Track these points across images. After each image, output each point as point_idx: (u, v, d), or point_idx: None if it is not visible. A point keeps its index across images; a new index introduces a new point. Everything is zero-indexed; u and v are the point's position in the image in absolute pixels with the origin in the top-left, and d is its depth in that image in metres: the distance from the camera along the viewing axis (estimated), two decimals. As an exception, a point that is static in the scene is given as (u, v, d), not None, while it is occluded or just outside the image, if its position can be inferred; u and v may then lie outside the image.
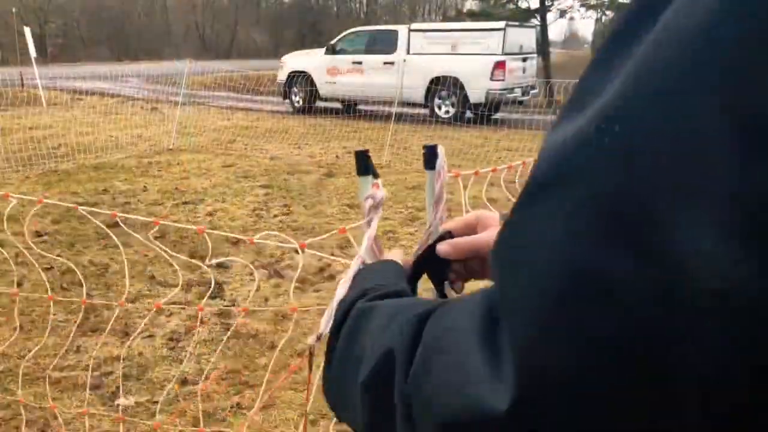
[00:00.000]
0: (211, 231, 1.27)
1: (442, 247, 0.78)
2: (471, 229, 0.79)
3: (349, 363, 0.56)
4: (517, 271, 0.39)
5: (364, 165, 0.77)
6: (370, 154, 0.80)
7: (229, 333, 3.26)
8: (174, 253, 1.83)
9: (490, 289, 0.44)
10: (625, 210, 0.33)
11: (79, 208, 1.31)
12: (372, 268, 0.72)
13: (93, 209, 1.29)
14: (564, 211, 0.36)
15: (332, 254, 4.61)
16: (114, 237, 1.70)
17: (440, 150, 0.80)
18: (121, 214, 1.34)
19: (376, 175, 0.77)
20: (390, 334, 0.51)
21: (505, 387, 0.37)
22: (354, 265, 0.71)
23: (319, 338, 0.67)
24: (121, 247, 1.94)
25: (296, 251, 4.66)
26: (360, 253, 0.72)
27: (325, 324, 0.66)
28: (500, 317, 0.40)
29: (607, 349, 0.33)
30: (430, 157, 0.79)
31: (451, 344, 0.43)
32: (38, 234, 5.04)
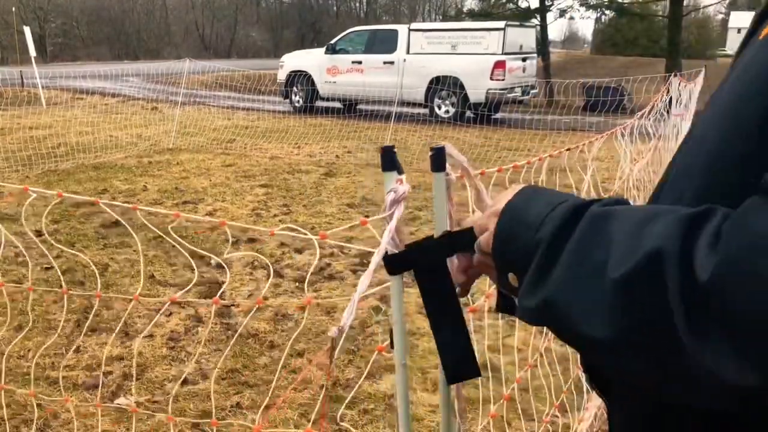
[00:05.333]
0: (230, 223, 1.26)
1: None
2: None
3: (586, 266, 0.54)
4: None
5: (390, 161, 0.77)
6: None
7: (221, 331, 3.26)
8: (185, 249, 1.82)
9: None
10: None
11: (101, 202, 1.30)
12: (550, 192, 0.67)
13: (112, 202, 1.29)
14: None
15: (332, 254, 4.61)
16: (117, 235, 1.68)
17: (450, 149, 0.79)
18: (143, 208, 1.33)
19: (400, 171, 0.78)
20: (653, 234, 0.51)
21: None
22: (376, 257, 0.71)
23: (340, 331, 0.67)
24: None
25: (296, 250, 4.66)
26: (382, 245, 0.72)
27: (347, 317, 0.66)
28: None
29: None
30: (437, 159, 0.78)
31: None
32: (38, 233, 5.04)
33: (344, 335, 0.66)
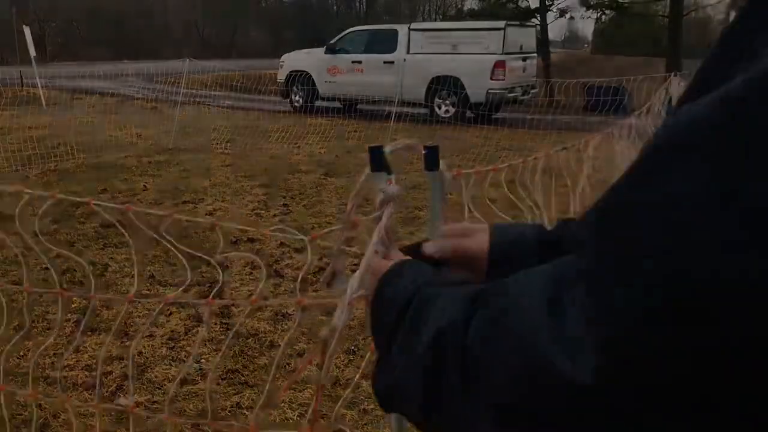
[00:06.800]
0: (223, 223, 1.25)
1: (429, 247, 0.78)
2: (463, 236, 0.80)
3: (412, 343, 0.57)
4: (626, 254, 0.38)
5: (378, 161, 0.76)
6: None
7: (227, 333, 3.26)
8: (178, 252, 1.81)
9: (556, 263, 0.46)
10: None
11: (94, 203, 1.30)
12: (416, 265, 0.72)
13: (103, 203, 1.28)
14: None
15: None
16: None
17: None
18: (136, 209, 1.33)
19: (389, 172, 0.77)
20: (450, 311, 0.53)
21: (583, 364, 0.38)
22: (367, 257, 0.71)
23: (332, 331, 0.67)
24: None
25: (296, 250, 4.65)
26: (372, 246, 0.72)
27: (339, 316, 0.66)
28: (575, 287, 0.41)
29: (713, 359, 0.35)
30: (431, 158, 0.78)
31: (519, 310, 0.44)
32: (37, 234, 5.03)
33: (337, 335, 0.66)
